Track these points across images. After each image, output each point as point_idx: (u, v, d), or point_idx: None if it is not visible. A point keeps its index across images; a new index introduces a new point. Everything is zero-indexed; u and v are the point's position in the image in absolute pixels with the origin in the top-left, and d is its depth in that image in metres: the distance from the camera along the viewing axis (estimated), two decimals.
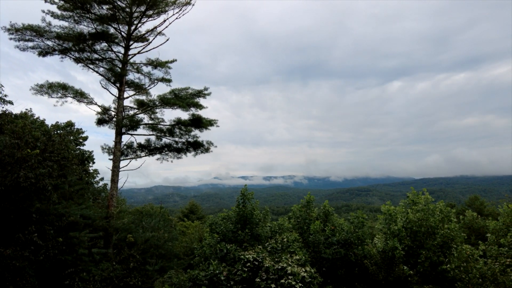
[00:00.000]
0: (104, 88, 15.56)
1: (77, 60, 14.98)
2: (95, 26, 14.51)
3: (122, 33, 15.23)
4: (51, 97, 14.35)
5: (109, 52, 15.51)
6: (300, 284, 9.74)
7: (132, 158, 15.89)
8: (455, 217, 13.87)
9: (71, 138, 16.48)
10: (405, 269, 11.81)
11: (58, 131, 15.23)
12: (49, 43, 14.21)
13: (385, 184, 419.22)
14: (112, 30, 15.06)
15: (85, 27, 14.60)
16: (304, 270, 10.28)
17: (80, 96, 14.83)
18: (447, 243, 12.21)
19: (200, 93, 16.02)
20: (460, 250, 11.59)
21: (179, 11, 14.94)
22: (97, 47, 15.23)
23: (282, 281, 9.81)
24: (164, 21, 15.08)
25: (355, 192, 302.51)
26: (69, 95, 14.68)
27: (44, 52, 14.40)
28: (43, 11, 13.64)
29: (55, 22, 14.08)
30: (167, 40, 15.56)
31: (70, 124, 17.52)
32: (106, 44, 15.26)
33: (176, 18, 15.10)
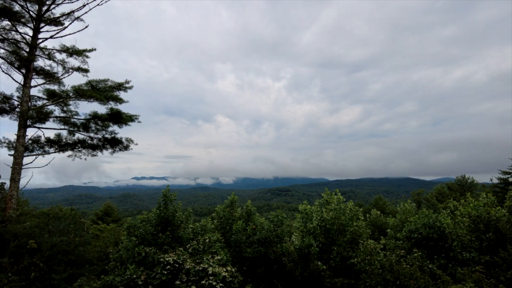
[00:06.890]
0: (5, 73, 13.54)
1: None
2: None
3: (31, 13, 13.45)
4: None
5: (13, 33, 13.55)
6: (221, 284, 9.83)
7: (38, 155, 14.13)
8: (363, 215, 15.46)
9: None
10: (319, 264, 12.72)
11: None
12: None
13: (303, 184, 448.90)
14: (17, 8, 13.19)
15: None
16: (225, 270, 10.39)
17: None
18: (356, 239, 13.50)
19: (120, 86, 15.01)
20: (365, 245, 12.95)
21: None
22: None
23: (203, 282, 9.78)
24: (84, 5, 13.78)
25: (276, 192, 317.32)
26: None
27: None
28: None
29: None
30: (86, 27, 14.21)
31: None
32: (9, 23, 13.30)
33: (98, 4, 13.94)
